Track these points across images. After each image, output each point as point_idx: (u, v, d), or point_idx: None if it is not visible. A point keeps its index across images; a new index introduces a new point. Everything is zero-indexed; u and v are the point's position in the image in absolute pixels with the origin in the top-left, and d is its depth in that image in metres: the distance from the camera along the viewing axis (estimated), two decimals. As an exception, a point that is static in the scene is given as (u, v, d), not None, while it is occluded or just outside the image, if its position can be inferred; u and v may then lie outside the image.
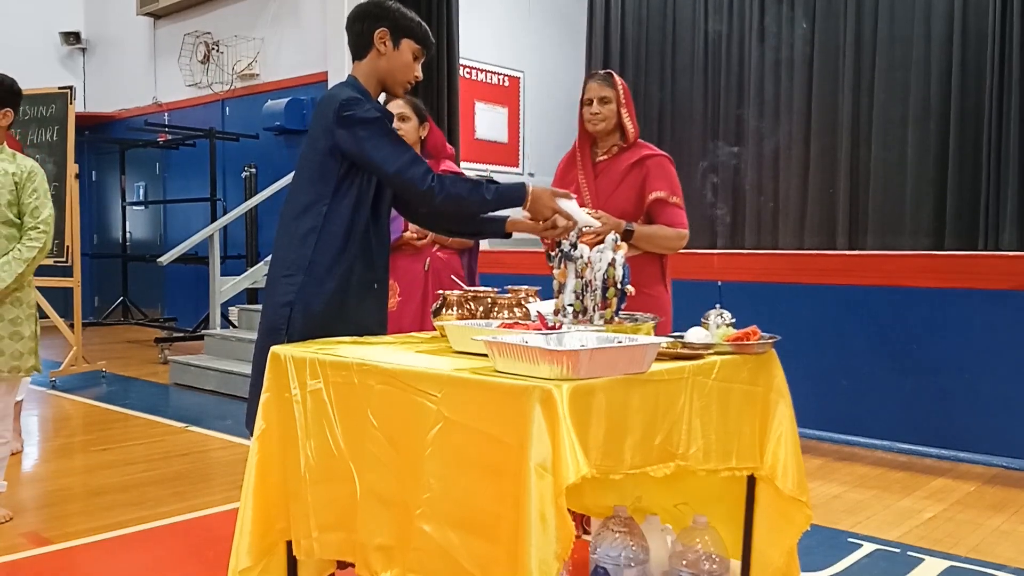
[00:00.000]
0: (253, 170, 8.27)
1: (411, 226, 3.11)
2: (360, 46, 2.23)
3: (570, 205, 2.18)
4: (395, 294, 3.15)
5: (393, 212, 2.38)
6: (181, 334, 8.18)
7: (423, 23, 2.27)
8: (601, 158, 2.89)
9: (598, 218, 2.64)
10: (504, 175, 7.88)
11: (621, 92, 2.82)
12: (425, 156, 3.20)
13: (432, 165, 3.11)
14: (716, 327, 2.00)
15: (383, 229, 2.29)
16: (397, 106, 3.11)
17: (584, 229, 2.22)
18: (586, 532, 2.59)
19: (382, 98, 2.32)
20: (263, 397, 1.97)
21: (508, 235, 2.40)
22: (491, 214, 2.33)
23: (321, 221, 2.14)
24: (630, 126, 2.84)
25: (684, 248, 2.90)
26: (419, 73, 2.28)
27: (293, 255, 2.16)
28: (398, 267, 3.12)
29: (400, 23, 2.21)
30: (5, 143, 3.28)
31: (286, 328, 2.13)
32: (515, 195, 2.16)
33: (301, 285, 2.13)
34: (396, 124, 3.07)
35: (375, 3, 2.22)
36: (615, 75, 2.86)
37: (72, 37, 10.55)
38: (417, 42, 2.23)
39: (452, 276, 3.04)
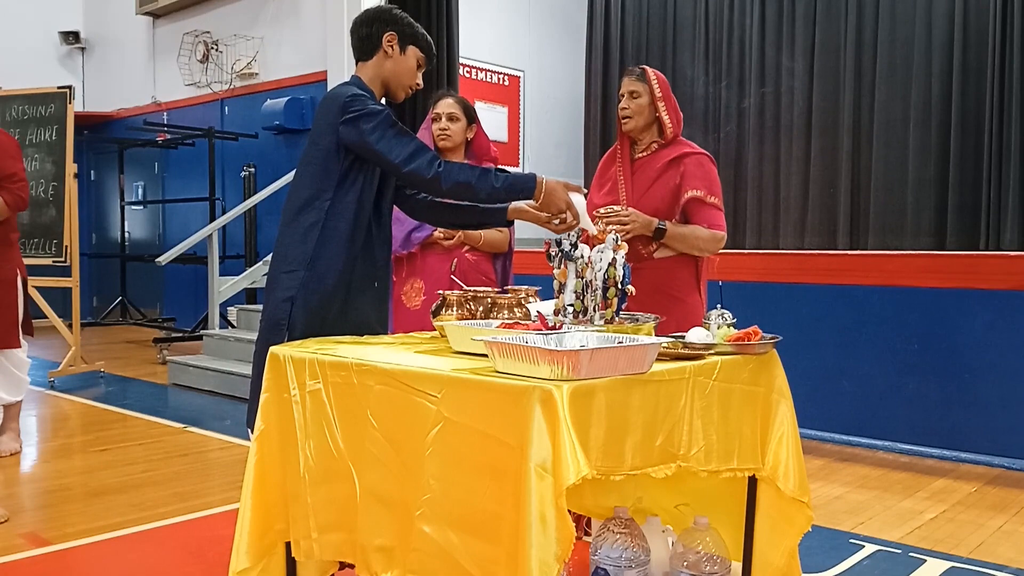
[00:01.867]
0: (252, 170, 8.26)
1: None
2: (366, 48, 2.28)
3: (579, 201, 2.13)
4: (420, 293, 3.09)
5: None
6: (180, 334, 8.16)
7: (428, 35, 2.34)
8: (640, 155, 2.82)
9: (627, 215, 2.61)
10: (504, 175, 7.87)
11: (656, 87, 2.74)
12: (469, 157, 3.17)
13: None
14: (717, 327, 1.99)
15: (385, 227, 2.30)
16: (447, 106, 3.08)
17: (586, 228, 2.18)
18: (587, 533, 2.58)
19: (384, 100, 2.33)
20: (262, 398, 1.96)
21: (510, 223, 2.38)
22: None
23: (323, 216, 2.15)
24: (668, 121, 2.76)
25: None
26: (420, 81, 2.35)
27: (295, 251, 2.17)
28: (426, 266, 3.08)
29: (407, 31, 2.28)
30: None
31: (287, 323, 2.14)
32: (525, 185, 2.12)
33: (303, 280, 2.15)
34: (445, 123, 3.06)
35: (384, 9, 2.30)
36: (649, 70, 2.79)
37: (71, 36, 10.54)
38: (422, 51, 2.31)
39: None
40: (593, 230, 2.22)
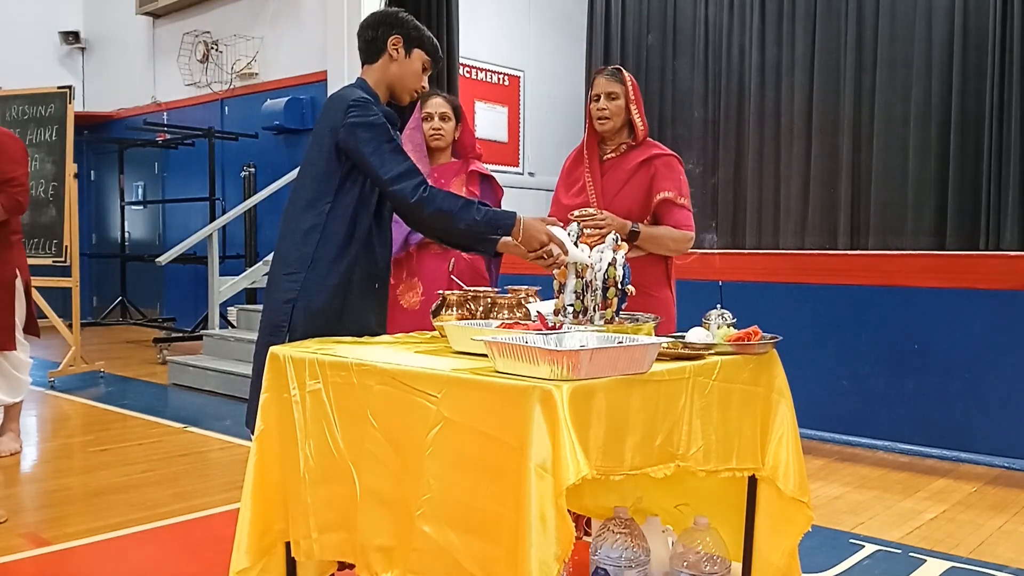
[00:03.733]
0: (252, 169, 8.26)
1: None
2: (372, 51, 2.29)
3: (562, 234, 2.12)
4: (418, 293, 3.10)
5: None
6: (180, 334, 8.16)
7: (434, 38, 2.34)
8: (608, 156, 2.82)
9: (603, 220, 2.61)
10: (504, 175, 7.87)
11: (630, 88, 2.75)
12: (455, 155, 3.18)
13: (460, 166, 3.13)
14: (717, 327, 1.99)
15: (385, 229, 2.30)
16: (439, 106, 3.09)
17: (579, 260, 2.15)
18: (587, 533, 2.58)
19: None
20: (262, 398, 1.96)
21: (498, 255, 2.40)
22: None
23: (324, 219, 2.16)
24: (639, 123, 2.77)
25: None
26: (425, 84, 2.36)
27: (296, 253, 2.17)
28: (424, 266, 3.08)
29: (413, 34, 2.29)
30: None
31: (287, 325, 2.14)
32: (505, 223, 2.13)
33: (303, 283, 2.15)
34: (438, 123, 3.07)
35: (391, 12, 2.31)
36: (624, 71, 2.79)
37: (71, 36, 10.54)
38: (427, 54, 2.32)
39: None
40: (585, 260, 2.18)
